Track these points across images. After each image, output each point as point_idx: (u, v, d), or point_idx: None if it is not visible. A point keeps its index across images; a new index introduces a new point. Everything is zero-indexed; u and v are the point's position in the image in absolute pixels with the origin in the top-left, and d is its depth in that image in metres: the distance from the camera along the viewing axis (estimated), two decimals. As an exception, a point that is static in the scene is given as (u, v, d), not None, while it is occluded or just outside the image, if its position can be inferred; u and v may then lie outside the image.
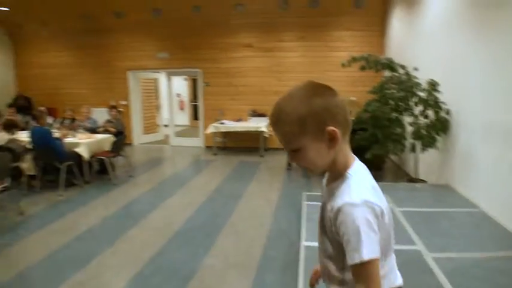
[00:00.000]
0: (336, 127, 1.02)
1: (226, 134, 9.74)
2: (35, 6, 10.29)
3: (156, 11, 9.53)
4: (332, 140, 1.04)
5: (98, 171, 7.23)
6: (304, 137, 1.03)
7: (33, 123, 7.56)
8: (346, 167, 1.10)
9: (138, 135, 10.93)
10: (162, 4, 9.36)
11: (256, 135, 9.04)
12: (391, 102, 5.29)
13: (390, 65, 5.47)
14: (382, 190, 1.11)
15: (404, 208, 4.02)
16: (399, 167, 7.52)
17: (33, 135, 6.40)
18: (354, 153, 1.14)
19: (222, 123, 9.15)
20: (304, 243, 3.28)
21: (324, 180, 1.23)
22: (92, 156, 6.77)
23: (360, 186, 1.05)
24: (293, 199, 5.60)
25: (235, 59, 9.57)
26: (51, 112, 10.21)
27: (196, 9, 9.18)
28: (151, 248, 4.14)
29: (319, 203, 1.24)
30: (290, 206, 5.39)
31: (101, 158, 6.85)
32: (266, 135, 8.83)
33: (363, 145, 5.28)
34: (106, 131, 7.57)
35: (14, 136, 6.61)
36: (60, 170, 6.29)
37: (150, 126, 11.54)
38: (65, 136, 6.65)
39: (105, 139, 7.14)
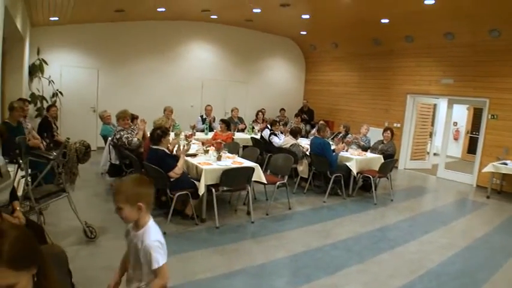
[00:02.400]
0: (143, 204, 2.02)
1: (506, 177, 8.47)
2: (330, 31, 11.50)
3: (448, 34, 9.13)
4: (140, 209, 2.02)
5: (360, 187, 7.55)
6: (126, 203, 1.99)
7: (313, 133, 8.55)
8: (145, 223, 2.09)
9: (404, 160, 10.79)
10: (454, 28, 8.87)
11: (546, 185, 7.56)
12: None
13: None
14: None
15: None
16: None
17: (313, 144, 7.25)
18: None
19: (505, 164, 8.00)
20: None
21: (130, 229, 2.17)
22: (359, 173, 7.13)
23: (154, 231, 2.09)
24: None
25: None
26: (329, 125, 11.23)
27: (494, 32, 8.29)
28: (400, 279, 4.09)
29: None
30: None
31: (367, 176, 7.14)
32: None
33: None
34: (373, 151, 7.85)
35: (297, 141, 7.64)
36: (329, 179, 6.92)
37: (419, 153, 11.19)
38: (340, 150, 7.22)
39: (375, 159, 7.43)
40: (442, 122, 10.94)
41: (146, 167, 5.28)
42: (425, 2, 7.28)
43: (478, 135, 9.52)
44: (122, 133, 6.32)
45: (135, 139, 6.28)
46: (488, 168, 8.08)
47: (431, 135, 11.61)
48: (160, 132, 5.30)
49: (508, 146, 8.50)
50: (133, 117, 7.41)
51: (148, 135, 6.00)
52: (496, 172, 8.15)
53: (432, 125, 11.51)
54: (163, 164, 5.12)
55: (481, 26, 8.40)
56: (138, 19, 10.29)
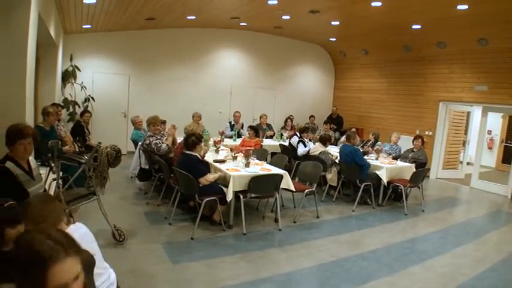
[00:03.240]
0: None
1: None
2: (359, 37, 11.32)
3: (481, 40, 8.84)
4: None
5: (389, 197, 7.38)
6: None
7: (342, 140, 8.44)
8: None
9: (436, 169, 10.50)
10: (488, 33, 8.56)
11: None
12: None
13: None
14: None
15: None
16: None
17: (342, 152, 7.14)
18: None
19: (541, 175, 7.70)
20: None
21: None
22: (390, 182, 6.97)
23: None
24: None
25: None
26: (358, 133, 11.07)
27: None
28: (432, 294, 3.96)
29: None
30: None
31: (397, 185, 6.97)
32: None
33: None
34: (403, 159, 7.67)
35: (326, 149, 7.55)
36: (358, 188, 6.80)
37: (451, 162, 10.88)
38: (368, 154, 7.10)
39: (406, 168, 7.25)
40: (475, 130, 10.59)
41: (175, 172, 5.33)
42: (458, 7, 7.09)
43: (513, 144, 9.18)
44: (151, 139, 6.41)
45: (164, 145, 6.35)
46: (525, 179, 7.77)
47: (464, 143, 11.27)
48: (195, 139, 5.38)
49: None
50: (162, 122, 7.51)
51: (179, 141, 6.06)
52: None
53: (465, 133, 11.17)
54: (195, 169, 5.16)
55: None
56: (169, 27, 10.47)
